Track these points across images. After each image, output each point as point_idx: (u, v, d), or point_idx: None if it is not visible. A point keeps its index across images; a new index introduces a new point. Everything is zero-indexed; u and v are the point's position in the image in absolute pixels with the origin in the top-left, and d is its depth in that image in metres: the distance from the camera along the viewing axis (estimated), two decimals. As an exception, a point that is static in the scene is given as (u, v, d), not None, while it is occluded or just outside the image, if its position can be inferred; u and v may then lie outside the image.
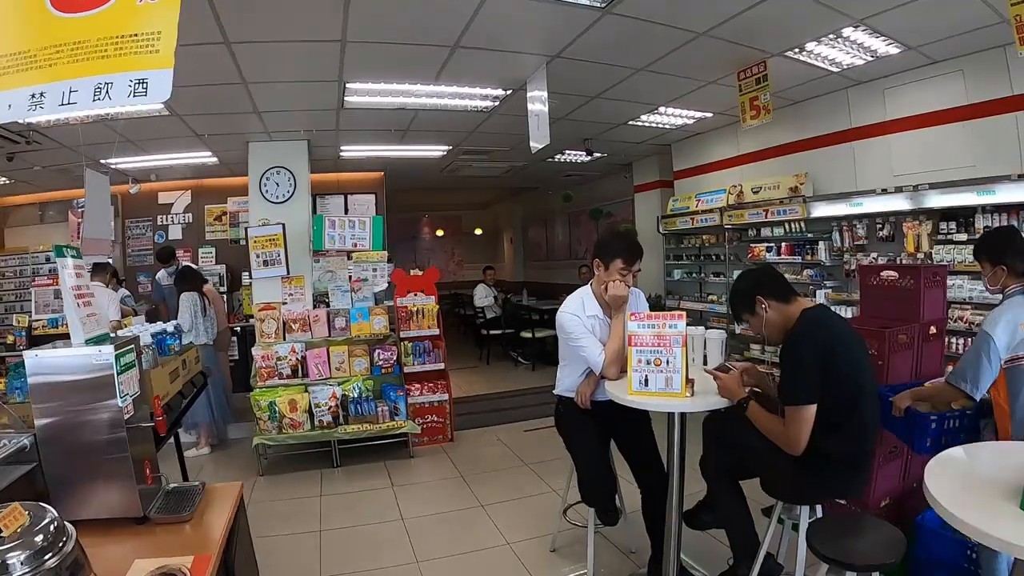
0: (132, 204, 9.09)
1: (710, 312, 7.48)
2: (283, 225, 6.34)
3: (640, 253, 3.20)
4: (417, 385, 6.05)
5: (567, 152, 8.63)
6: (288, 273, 6.30)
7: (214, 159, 7.69)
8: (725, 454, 2.94)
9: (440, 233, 18.20)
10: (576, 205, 12.25)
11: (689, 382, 2.78)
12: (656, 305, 8.65)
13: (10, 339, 6.64)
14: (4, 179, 7.68)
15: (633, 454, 3.33)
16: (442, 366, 6.14)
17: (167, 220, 9.21)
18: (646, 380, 2.80)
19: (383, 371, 5.89)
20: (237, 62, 4.47)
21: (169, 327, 3.17)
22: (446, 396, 6.13)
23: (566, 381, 3.41)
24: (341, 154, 7.91)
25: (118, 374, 2.17)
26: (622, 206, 10.52)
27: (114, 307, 6.22)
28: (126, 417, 2.18)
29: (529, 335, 9.21)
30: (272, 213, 6.72)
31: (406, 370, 6.00)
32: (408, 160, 8.59)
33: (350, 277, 6.76)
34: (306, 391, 5.64)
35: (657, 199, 9.03)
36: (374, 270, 6.78)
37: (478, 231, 18.28)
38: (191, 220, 9.18)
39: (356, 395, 5.67)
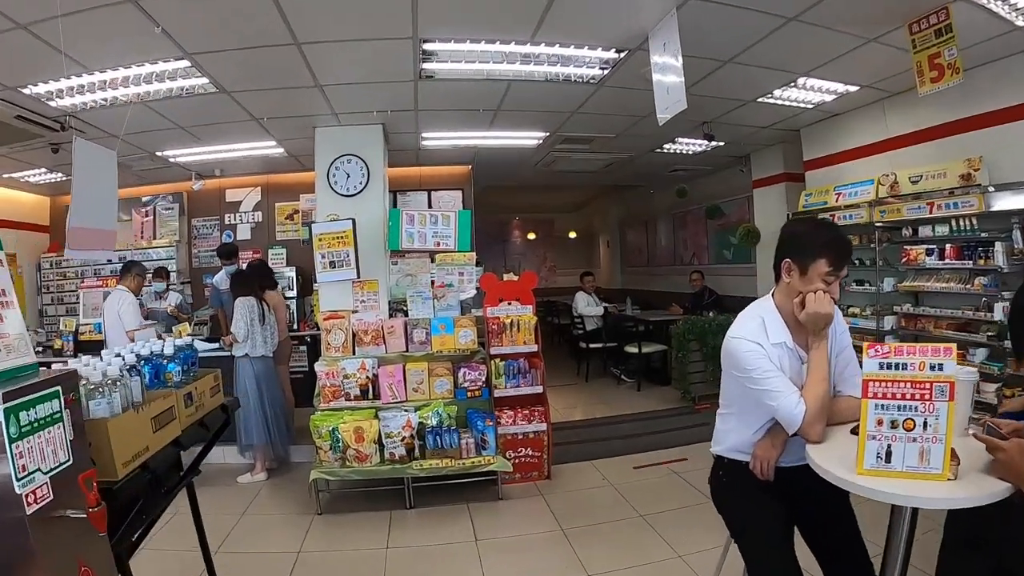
0: (198, 202, 8.63)
1: (851, 328, 6.14)
2: (353, 220, 5.52)
3: (850, 250, 2.11)
4: (509, 412, 5.09)
5: (679, 141, 7.49)
6: (359, 276, 5.49)
7: (280, 149, 7.01)
8: (985, 567, 1.93)
9: (532, 236, 17.26)
10: (683, 204, 11.03)
11: (954, 457, 1.69)
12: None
13: (57, 343, 6.13)
14: (59, 174, 7.22)
15: (828, 543, 2.22)
16: (540, 389, 5.16)
17: (235, 219, 8.70)
18: (888, 453, 1.71)
19: (469, 394, 4.96)
20: (284, 15, 3.63)
21: (168, 346, 2.29)
22: (544, 426, 5.13)
23: (733, 437, 2.31)
24: (422, 143, 7.06)
25: (11, 440, 1.29)
26: (736, 204, 9.26)
27: (131, 315, 5.57)
28: (32, 509, 1.30)
29: (635, 350, 8.09)
30: (342, 208, 5.91)
31: (497, 394, 5.05)
32: (498, 151, 7.67)
33: (432, 282, 5.91)
34: (376, 417, 4.78)
35: (780, 195, 7.76)
36: (460, 274, 5.92)
37: (572, 234, 17.25)
38: (260, 219, 8.63)
39: (436, 423, 4.76)
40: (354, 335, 5.17)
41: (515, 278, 5.55)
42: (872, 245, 5.99)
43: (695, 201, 10.51)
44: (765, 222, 7.92)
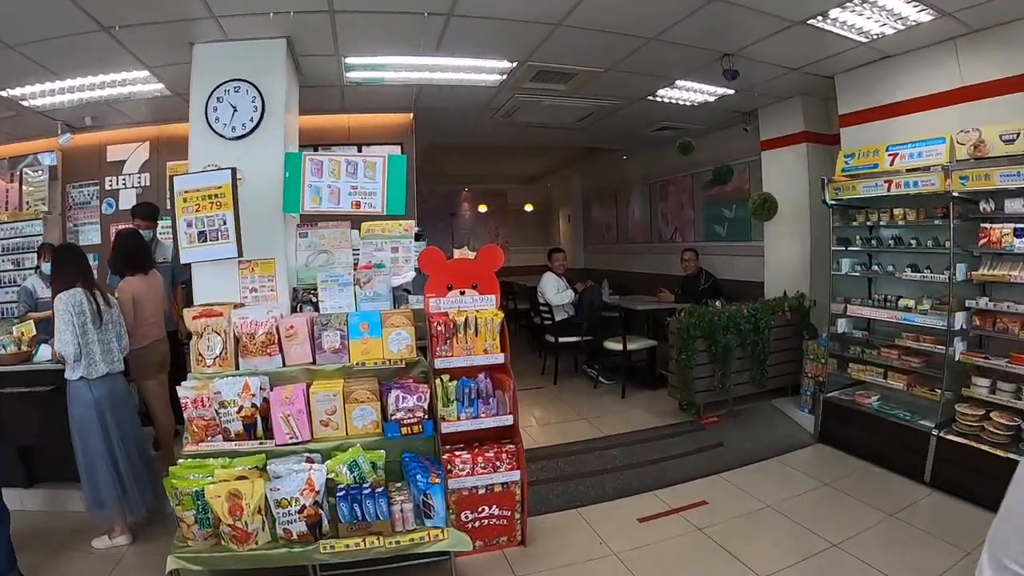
0: (74, 163, 6.81)
1: (905, 323, 4.75)
2: (233, 171, 3.78)
3: None
4: (464, 455, 3.53)
5: (680, 85, 5.94)
6: (241, 254, 3.77)
7: (158, 85, 5.27)
8: None
9: (483, 209, 15.58)
10: (663, 172, 9.55)
11: None
12: (799, 306, 5.99)
13: None
14: None
15: None
16: (509, 420, 3.58)
17: (118, 183, 6.82)
18: None
19: (404, 430, 3.36)
20: None
21: None
22: (516, 474, 3.56)
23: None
24: (348, 75, 5.33)
25: None
26: (738, 170, 7.79)
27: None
28: None
29: (617, 346, 6.57)
30: (226, 156, 4.17)
31: (446, 428, 3.48)
32: (448, 93, 5.99)
33: (356, 262, 4.30)
34: (265, 469, 3.14)
35: (799, 158, 6.29)
36: (394, 249, 4.32)
37: (528, 207, 15.62)
38: (148, 182, 6.79)
39: (353, 480, 3.15)
40: (237, 340, 3.50)
41: (470, 254, 3.95)
42: (939, 221, 4.57)
43: (677, 167, 9.03)
44: (780, 190, 6.47)
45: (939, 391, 4.46)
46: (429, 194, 15.02)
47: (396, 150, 7.03)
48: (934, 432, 4.35)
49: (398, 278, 4.08)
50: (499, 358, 3.63)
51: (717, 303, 5.82)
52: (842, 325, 5.22)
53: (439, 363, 3.50)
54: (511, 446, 3.57)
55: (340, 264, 4.43)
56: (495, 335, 3.60)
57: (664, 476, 4.56)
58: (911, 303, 4.75)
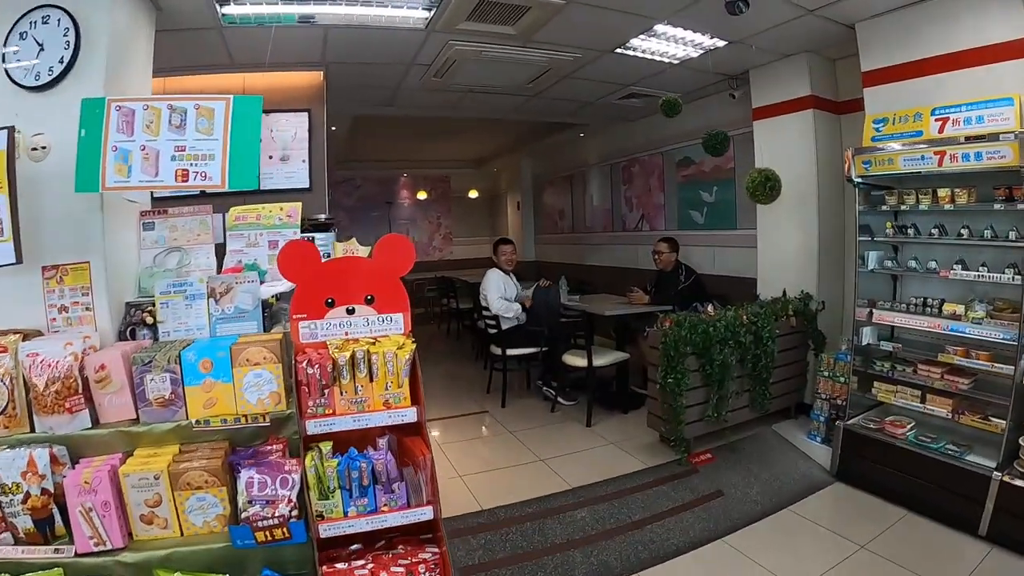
0: None
1: (951, 335, 3.72)
2: (9, 132, 2.46)
3: None
4: (358, 570, 2.26)
5: (660, 33, 4.80)
6: (19, 258, 2.47)
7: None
8: None
9: (422, 196, 14.28)
10: (632, 148, 8.45)
11: None
12: (804, 310, 4.99)
13: None
14: None
15: None
16: (428, 513, 2.36)
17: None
18: None
19: (261, 536, 2.12)
20: None
21: None
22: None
23: None
24: (221, 8, 4.02)
25: None
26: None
27: None
28: None
29: (581, 362, 5.43)
30: (27, 113, 2.84)
31: (326, 531, 2.24)
32: (365, 38, 4.79)
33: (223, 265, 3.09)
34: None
35: (804, 127, 5.15)
36: (274, 244, 3.13)
37: (472, 194, 14.39)
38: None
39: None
40: (27, 387, 2.25)
41: (360, 250, 2.78)
42: (1001, 206, 3.54)
43: (654, 144, 7.93)
44: (778, 167, 5.38)
45: (999, 421, 3.48)
46: (363, 180, 13.76)
47: (303, 120, 5.75)
48: (995, 474, 3.38)
49: (273, 287, 2.84)
50: (407, 414, 2.45)
51: (708, 307, 4.70)
52: (866, 335, 4.19)
53: (313, 426, 2.29)
54: (431, 554, 2.36)
55: (199, 267, 3.17)
56: (401, 379, 2.40)
57: (652, 547, 3.45)
58: (958, 309, 3.72)
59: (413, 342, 2.55)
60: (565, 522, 3.75)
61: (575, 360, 5.52)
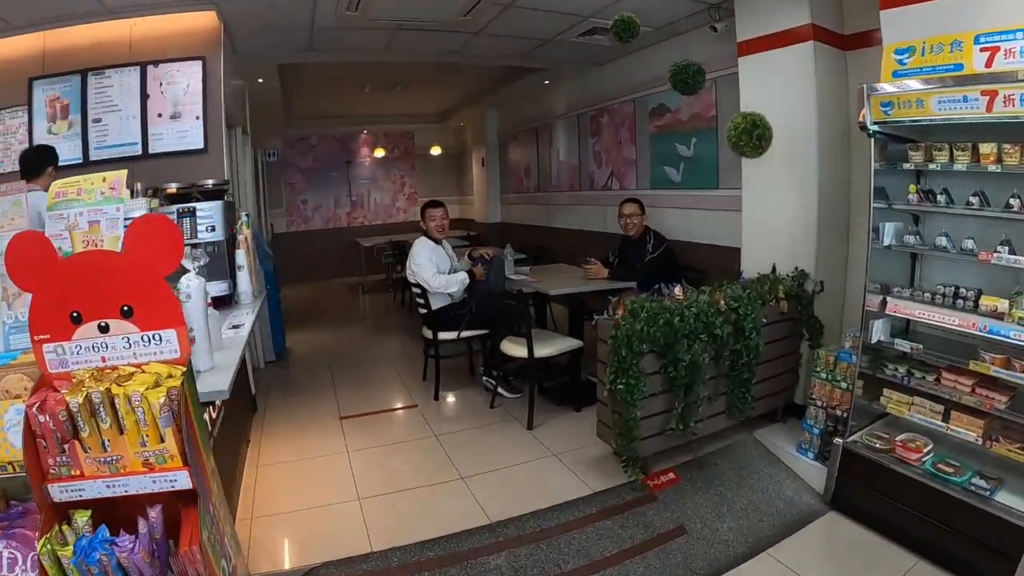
0: None
1: (988, 337, 2.76)
2: None
3: None
4: None
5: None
6: None
7: None
8: None
9: (379, 154, 13.15)
10: (600, 95, 7.40)
11: None
12: (798, 292, 4.06)
13: None
14: None
15: None
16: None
17: None
18: None
19: None
20: None
21: None
22: None
23: None
24: None
25: None
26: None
27: None
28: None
29: (520, 352, 4.48)
30: None
31: None
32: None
33: None
34: None
35: (803, 64, 4.01)
36: (93, 224, 2.30)
37: (435, 150, 13.28)
38: None
39: None
40: None
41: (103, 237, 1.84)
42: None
43: (624, 89, 6.89)
44: (769, 112, 4.35)
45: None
46: (319, 138, 12.69)
47: (197, 69, 4.88)
48: (1042, 526, 2.51)
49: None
50: (178, 479, 1.56)
51: (676, 289, 3.72)
52: (877, 330, 3.25)
53: (59, 492, 1.44)
54: None
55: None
56: (160, 430, 1.55)
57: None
58: (1000, 304, 2.77)
59: (179, 372, 1.61)
60: (474, 573, 2.85)
61: (514, 349, 4.55)
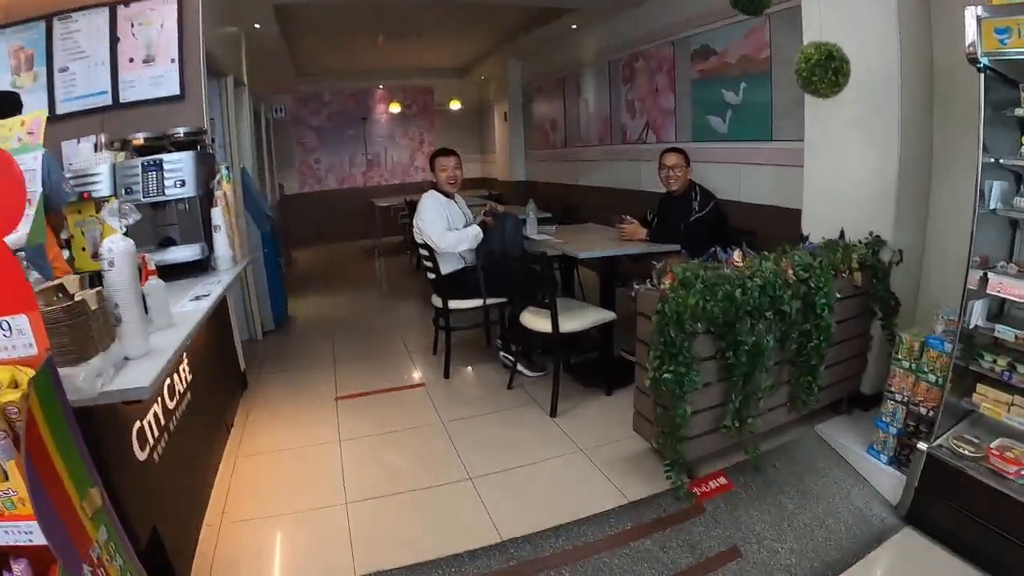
0: None
1: None
2: None
3: None
4: None
5: None
6: None
7: None
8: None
9: (396, 108, 12.49)
10: (634, 39, 6.65)
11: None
12: (874, 262, 3.41)
13: None
14: None
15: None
16: None
17: None
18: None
19: None
20: None
21: None
22: None
23: None
24: None
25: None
26: (729, 36, 5.05)
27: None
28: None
29: (542, 325, 3.86)
30: None
31: None
32: None
33: None
34: None
35: None
36: None
37: (454, 104, 12.59)
38: None
39: None
40: None
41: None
42: None
43: (661, 31, 6.15)
44: (844, 44, 3.62)
45: None
46: (332, 95, 12.11)
47: (171, 7, 4.34)
48: None
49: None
50: (32, 529, 1.00)
51: (735, 254, 3.06)
52: (976, 312, 2.60)
53: None
54: None
55: None
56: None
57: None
58: None
59: (26, 377, 1.05)
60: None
61: (536, 322, 3.95)
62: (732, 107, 5.18)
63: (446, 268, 4.48)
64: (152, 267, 2.40)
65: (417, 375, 4.73)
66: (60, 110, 4.26)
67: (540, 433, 3.67)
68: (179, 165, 3.74)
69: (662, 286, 2.76)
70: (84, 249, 3.68)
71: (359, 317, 6.72)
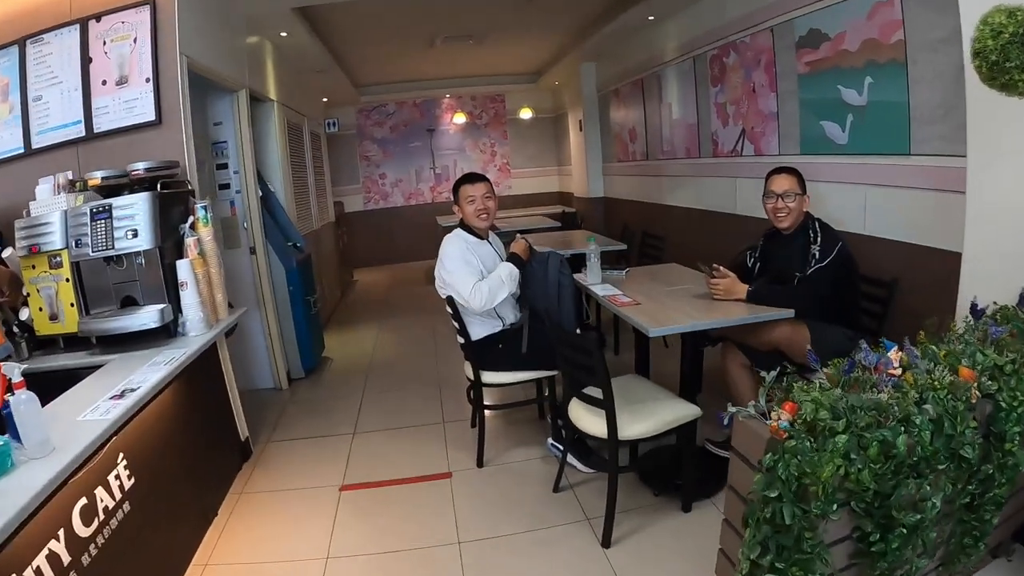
0: None
1: None
2: None
3: None
4: None
5: None
6: None
7: None
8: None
9: (460, 119, 11.71)
10: (724, 25, 5.52)
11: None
12: None
13: None
14: None
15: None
16: None
17: None
18: None
19: None
20: None
21: None
22: None
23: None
24: None
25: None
26: (843, 16, 3.84)
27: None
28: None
29: (596, 426, 2.83)
30: None
31: None
32: None
33: None
34: None
35: None
36: None
37: (525, 113, 11.70)
38: None
39: None
40: None
41: None
42: None
43: (758, 15, 4.99)
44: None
45: None
46: (397, 105, 11.53)
47: (144, 17, 3.60)
48: None
49: None
50: None
51: (891, 352, 1.92)
52: None
53: None
54: None
55: None
56: None
57: None
58: None
59: None
60: None
61: (586, 420, 2.90)
62: (854, 109, 3.99)
63: (478, 331, 3.51)
64: (17, 378, 1.80)
65: (445, 459, 3.77)
66: (35, 143, 3.71)
67: (585, 572, 2.67)
68: (132, 211, 3.01)
69: (773, 421, 1.71)
70: (41, 309, 3.08)
71: (402, 360, 5.87)
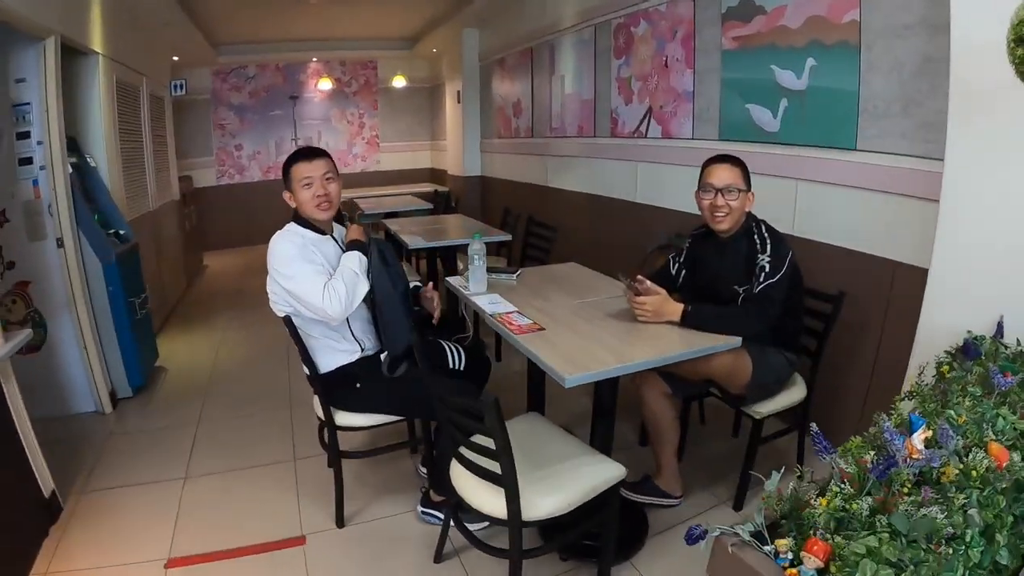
0: None
1: None
2: None
3: None
4: None
5: None
6: None
7: None
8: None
9: (326, 84, 10.61)
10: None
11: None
12: None
13: None
14: None
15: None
16: None
17: None
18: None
19: None
20: None
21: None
22: None
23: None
24: None
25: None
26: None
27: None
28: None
29: (493, 504, 2.11)
30: None
31: None
32: None
33: None
34: None
35: None
36: None
37: (398, 81, 10.78)
38: None
39: None
40: None
41: None
42: None
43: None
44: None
45: None
46: (258, 68, 10.33)
47: None
48: None
49: None
50: None
51: (915, 437, 1.35)
52: None
53: None
54: None
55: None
56: None
57: None
58: None
59: None
60: None
61: (475, 493, 2.16)
62: (789, 94, 3.46)
63: (327, 361, 2.69)
64: None
65: (297, 516, 2.94)
66: None
67: None
68: None
69: (784, 559, 1.10)
70: None
71: (249, 370, 4.94)
